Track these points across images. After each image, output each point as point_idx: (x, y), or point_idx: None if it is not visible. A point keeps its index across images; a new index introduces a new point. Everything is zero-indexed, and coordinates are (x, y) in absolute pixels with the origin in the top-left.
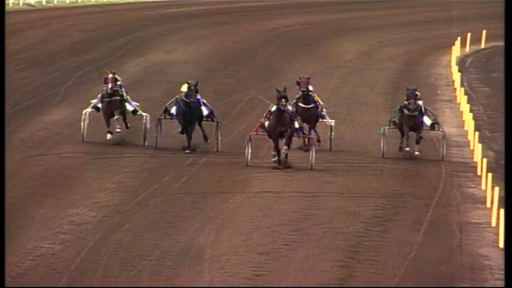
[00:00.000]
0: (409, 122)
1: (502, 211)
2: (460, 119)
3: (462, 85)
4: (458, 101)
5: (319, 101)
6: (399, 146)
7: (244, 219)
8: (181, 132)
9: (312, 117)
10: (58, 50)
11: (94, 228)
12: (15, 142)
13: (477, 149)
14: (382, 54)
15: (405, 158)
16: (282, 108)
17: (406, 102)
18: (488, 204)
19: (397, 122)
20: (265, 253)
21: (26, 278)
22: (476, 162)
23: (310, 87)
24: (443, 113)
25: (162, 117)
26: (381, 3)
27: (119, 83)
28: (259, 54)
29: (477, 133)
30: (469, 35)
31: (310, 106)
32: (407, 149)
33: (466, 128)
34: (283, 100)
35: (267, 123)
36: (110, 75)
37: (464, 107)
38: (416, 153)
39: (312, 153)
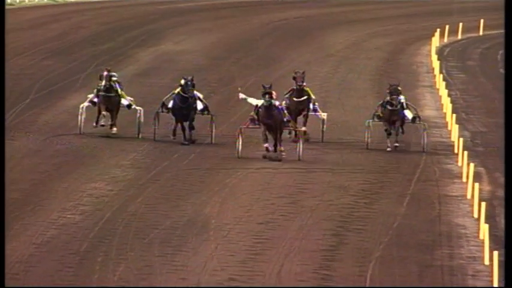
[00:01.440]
0: (392, 117)
1: (476, 185)
2: (439, 102)
3: (441, 72)
4: (437, 86)
5: (312, 95)
6: (385, 128)
7: (245, 192)
8: (174, 134)
9: (304, 110)
10: (79, 40)
11: (111, 200)
12: (40, 124)
13: (454, 129)
14: (370, 45)
15: (388, 152)
16: (265, 104)
17: (389, 98)
18: (464, 179)
19: (381, 116)
20: (265, 223)
21: (50, 244)
22: (453, 141)
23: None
24: (424, 97)
25: (160, 110)
26: None
27: (114, 79)
28: (259, 45)
29: (454, 115)
30: (447, 27)
31: (302, 99)
32: (389, 149)
33: (444, 111)
34: (267, 96)
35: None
36: (106, 72)
37: (443, 92)
38: (396, 144)
39: (300, 145)
